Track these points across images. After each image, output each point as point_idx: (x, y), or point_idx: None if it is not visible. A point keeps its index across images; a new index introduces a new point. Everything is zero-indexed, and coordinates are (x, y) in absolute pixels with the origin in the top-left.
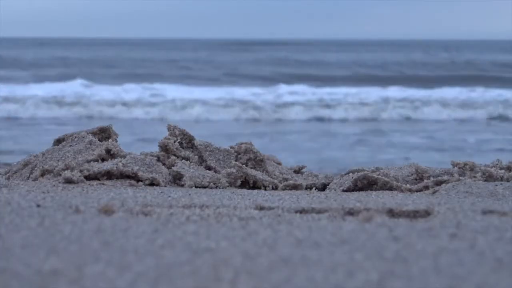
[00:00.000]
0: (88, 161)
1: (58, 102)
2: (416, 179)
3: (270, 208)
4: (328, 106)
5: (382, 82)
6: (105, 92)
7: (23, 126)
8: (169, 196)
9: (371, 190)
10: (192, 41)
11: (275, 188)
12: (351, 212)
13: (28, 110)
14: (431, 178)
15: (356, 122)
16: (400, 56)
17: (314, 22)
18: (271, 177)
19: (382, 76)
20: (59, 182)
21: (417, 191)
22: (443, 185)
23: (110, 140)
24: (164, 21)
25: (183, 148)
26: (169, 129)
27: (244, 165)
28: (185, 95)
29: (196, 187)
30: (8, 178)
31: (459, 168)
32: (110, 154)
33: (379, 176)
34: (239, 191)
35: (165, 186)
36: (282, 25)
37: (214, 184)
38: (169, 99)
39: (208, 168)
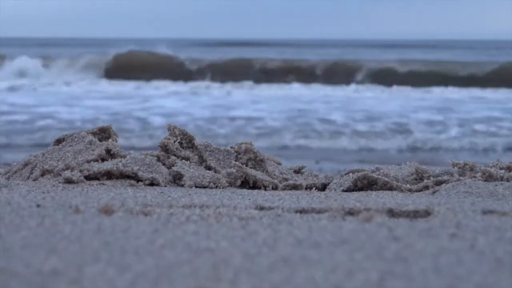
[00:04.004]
0: (88, 161)
1: None
2: (416, 179)
3: (270, 208)
4: None
5: None
6: None
7: None
8: (169, 196)
9: (371, 190)
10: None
11: (275, 188)
12: (351, 212)
13: None
14: (431, 178)
15: None
16: None
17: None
18: (271, 177)
19: None
20: (59, 182)
21: (417, 191)
22: (443, 185)
23: (110, 140)
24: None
25: (183, 148)
26: (169, 129)
27: (244, 165)
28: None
29: (196, 187)
30: (8, 178)
31: (459, 168)
32: (110, 154)
33: (379, 176)
34: (239, 191)
35: (165, 186)
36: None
37: (214, 184)
38: None
39: (208, 168)
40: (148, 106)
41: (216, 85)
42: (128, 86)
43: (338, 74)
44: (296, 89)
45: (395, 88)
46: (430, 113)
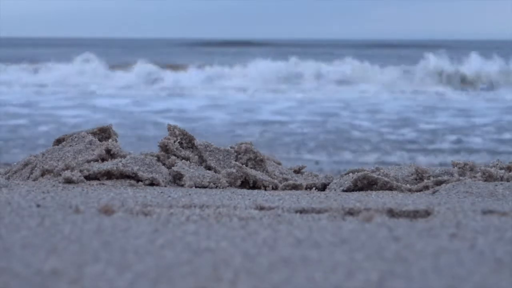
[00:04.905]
0: (88, 161)
1: None
2: (416, 179)
3: (270, 208)
4: None
5: None
6: None
7: None
8: (169, 196)
9: (371, 190)
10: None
11: (275, 188)
12: (351, 212)
13: None
14: (431, 178)
15: None
16: None
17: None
18: (271, 177)
19: None
20: (59, 182)
21: (417, 191)
22: (443, 185)
23: (110, 140)
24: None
25: (183, 148)
26: (169, 129)
27: (244, 165)
28: None
29: (196, 187)
30: (8, 178)
31: (459, 168)
32: (110, 154)
33: (379, 176)
34: (239, 191)
35: (165, 186)
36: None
37: (214, 184)
38: None
39: (208, 168)
40: None
41: None
42: None
43: None
44: None
45: None
46: None
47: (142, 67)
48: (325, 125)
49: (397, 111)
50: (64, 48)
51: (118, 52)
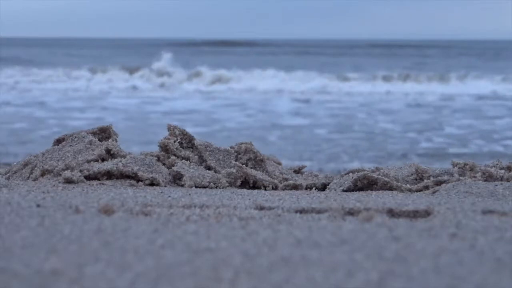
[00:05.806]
0: (88, 161)
1: None
2: (416, 179)
3: (270, 208)
4: None
5: None
6: None
7: None
8: (169, 196)
9: (371, 190)
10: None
11: (275, 188)
12: (351, 212)
13: None
14: (431, 178)
15: None
16: None
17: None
18: (271, 177)
19: None
20: (59, 182)
21: (417, 191)
22: (443, 185)
23: (110, 140)
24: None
25: (183, 148)
26: (169, 129)
27: (244, 165)
28: None
29: (196, 187)
30: (8, 178)
31: (459, 168)
32: (110, 154)
33: (379, 176)
34: (239, 191)
35: (165, 186)
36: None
37: (214, 184)
38: None
39: (208, 168)
40: None
41: None
42: None
43: None
44: None
45: None
46: None
47: (148, 68)
48: None
49: None
50: (65, 48)
51: (119, 52)
